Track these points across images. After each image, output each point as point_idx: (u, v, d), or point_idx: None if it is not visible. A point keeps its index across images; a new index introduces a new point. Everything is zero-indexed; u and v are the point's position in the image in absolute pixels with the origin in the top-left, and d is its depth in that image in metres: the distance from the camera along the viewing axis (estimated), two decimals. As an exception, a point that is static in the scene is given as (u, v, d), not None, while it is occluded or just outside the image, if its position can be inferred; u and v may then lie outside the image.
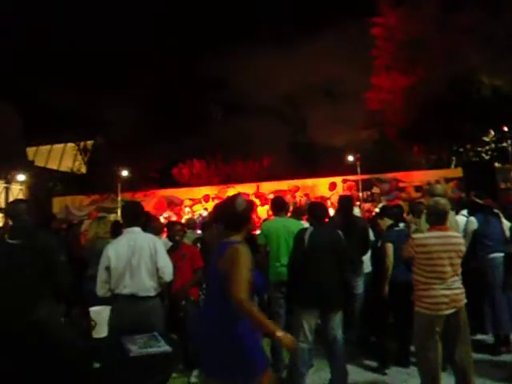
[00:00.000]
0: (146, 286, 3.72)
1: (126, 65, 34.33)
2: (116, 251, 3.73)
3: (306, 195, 18.44)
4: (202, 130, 30.46)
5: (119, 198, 19.74)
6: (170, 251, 4.41)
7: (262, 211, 16.74)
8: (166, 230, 5.41)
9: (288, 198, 16.86)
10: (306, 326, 4.04)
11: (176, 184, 25.56)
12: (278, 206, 5.37)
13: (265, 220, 7.21)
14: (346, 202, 5.70)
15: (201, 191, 20.21)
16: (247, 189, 19.02)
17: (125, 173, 21.36)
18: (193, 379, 4.66)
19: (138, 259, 3.72)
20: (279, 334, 2.54)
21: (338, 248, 4.15)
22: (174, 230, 5.07)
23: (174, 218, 16.55)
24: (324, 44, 30.29)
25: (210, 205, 18.23)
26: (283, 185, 19.29)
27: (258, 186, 19.49)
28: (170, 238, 5.10)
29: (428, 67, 21.88)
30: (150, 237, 3.94)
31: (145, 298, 3.70)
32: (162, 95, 32.58)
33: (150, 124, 29.19)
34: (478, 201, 6.03)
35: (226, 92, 34.31)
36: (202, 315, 3.06)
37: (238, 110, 33.10)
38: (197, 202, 19.73)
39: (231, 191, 18.79)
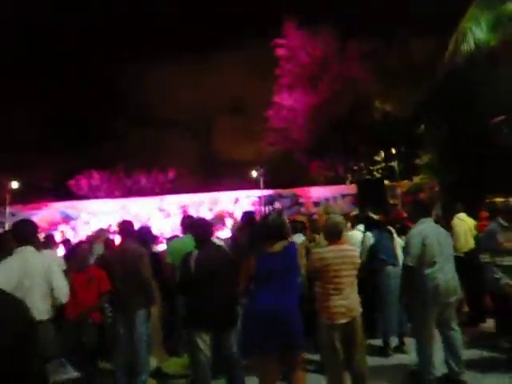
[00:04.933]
0: (40, 309, 3.46)
1: (22, 73, 31.71)
2: (4, 273, 3.42)
3: (210, 210, 18.44)
4: (103, 141, 29.20)
5: (7, 211, 18.08)
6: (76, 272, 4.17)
7: (165, 225, 16.41)
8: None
9: (192, 211, 16.74)
10: (201, 345, 4.02)
11: (73, 196, 24.05)
12: (184, 225, 5.35)
13: (171, 238, 7.07)
14: (249, 218, 5.86)
15: (99, 204, 19.17)
16: (150, 202, 18.53)
17: (15, 184, 19.63)
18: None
19: (30, 280, 3.45)
20: None
21: (225, 267, 4.12)
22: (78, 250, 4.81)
23: (70, 233, 15.55)
24: (232, 60, 30.83)
25: (112, 219, 17.33)
26: (187, 198, 19.10)
27: (161, 199, 19.08)
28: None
29: (327, 88, 23.28)
30: (44, 256, 3.68)
31: (37, 322, 3.43)
32: (62, 105, 30.62)
33: (48, 134, 27.30)
34: (374, 217, 6.51)
35: (131, 103, 33.27)
36: (276, 304, 3.51)
37: (143, 121, 32.31)
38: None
39: (132, 205, 18.24)
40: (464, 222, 7.18)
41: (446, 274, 4.39)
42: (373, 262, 5.71)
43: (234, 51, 30.42)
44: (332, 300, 3.88)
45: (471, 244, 6.76)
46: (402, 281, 4.67)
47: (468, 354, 4.82)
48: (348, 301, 3.90)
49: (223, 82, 31.25)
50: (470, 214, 7.40)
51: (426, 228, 4.53)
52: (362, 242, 5.92)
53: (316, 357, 5.02)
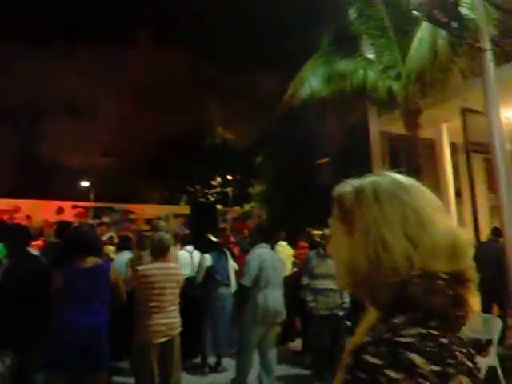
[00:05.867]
0: None
1: None
2: None
3: (28, 217, 16.53)
4: None
5: None
6: None
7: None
8: None
9: (5, 218, 14.78)
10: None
11: None
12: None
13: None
14: (61, 229, 5.52)
15: None
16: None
17: None
18: None
19: None
20: None
21: (40, 281, 3.68)
22: None
23: None
24: (78, 62, 28.65)
25: None
26: (2, 203, 16.89)
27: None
28: None
29: (169, 108, 23.34)
30: None
31: None
32: None
33: None
34: (213, 239, 6.68)
35: None
36: None
37: None
38: None
39: None
40: (285, 249, 7.82)
41: (275, 297, 4.69)
42: (208, 282, 5.84)
43: (82, 53, 28.46)
44: (153, 318, 3.77)
45: (288, 270, 7.40)
46: (236, 300, 4.80)
47: (278, 370, 5.15)
48: (169, 320, 3.84)
49: (56, 82, 28.74)
50: (289, 243, 8.11)
51: (264, 252, 4.80)
52: (200, 263, 6.02)
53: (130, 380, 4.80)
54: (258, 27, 20.64)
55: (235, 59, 22.11)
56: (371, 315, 0.87)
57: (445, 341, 0.75)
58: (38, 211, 17.25)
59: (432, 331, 0.75)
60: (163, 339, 3.79)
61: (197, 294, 5.65)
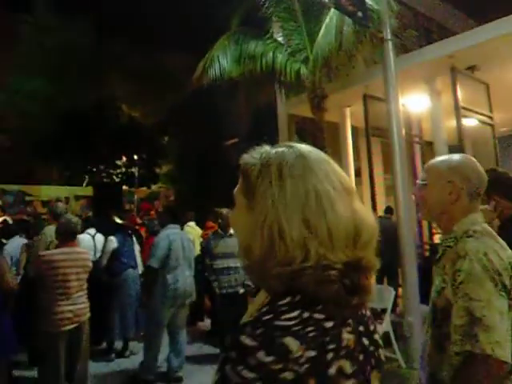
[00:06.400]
0: None
1: None
2: None
3: None
4: None
5: None
6: None
7: None
8: None
9: None
10: None
11: None
12: None
13: None
14: None
15: None
16: None
17: None
18: None
19: None
20: None
21: None
22: None
23: None
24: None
25: None
26: None
27: None
28: None
29: (70, 83, 21.74)
30: None
31: None
32: None
33: None
34: (119, 221, 6.49)
35: None
36: None
37: None
38: None
39: None
40: (193, 230, 7.77)
41: (185, 278, 4.69)
42: (114, 265, 5.64)
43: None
44: (59, 306, 3.57)
45: (197, 250, 7.39)
46: (145, 282, 4.71)
47: (188, 350, 5.15)
48: (76, 306, 3.67)
49: None
50: (197, 223, 8.07)
51: (174, 233, 4.76)
52: (104, 246, 5.79)
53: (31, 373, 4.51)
54: (169, 3, 19.91)
55: (144, 36, 21.17)
56: (262, 296, 0.84)
57: (328, 324, 0.74)
58: None
59: (316, 315, 0.74)
60: (71, 326, 3.62)
61: (102, 278, 5.42)
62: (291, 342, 0.70)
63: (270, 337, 0.70)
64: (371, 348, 0.83)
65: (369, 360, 0.81)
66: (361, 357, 0.78)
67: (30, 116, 21.06)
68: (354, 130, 9.60)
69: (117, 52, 22.39)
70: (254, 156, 0.87)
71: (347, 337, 0.76)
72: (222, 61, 7.76)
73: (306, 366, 0.69)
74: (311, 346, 0.71)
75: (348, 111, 9.41)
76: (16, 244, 5.51)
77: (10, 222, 7.89)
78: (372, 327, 0.86)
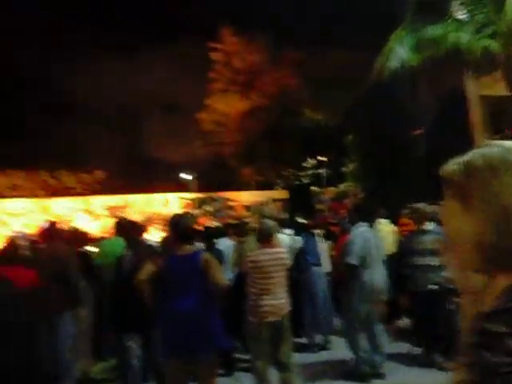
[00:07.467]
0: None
1: None
2: None
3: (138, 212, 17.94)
4: (25, 138, 26.92)
5: None
6: None
7: (91, 227, 15.78)
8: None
9: (120, 213, 16.23)
10: (132, 349, 4.09)
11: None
12: (117, 226, 5.27)
13: (100, 240, 6.89)
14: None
15: (18, 204, 17.80)
16: (73, 203, 17.78)
17: None
18: None
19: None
20: None
21: None
22: None
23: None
24: (165, 59, 30.24)
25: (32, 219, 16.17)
26: (116, 200, 18.51)
27: (85, 200, 18.33)
28: None
29: (260, 95, 23.73)
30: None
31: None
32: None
33: None
34: (303, 222, 6.84)
35: (57, 101, 30.89)
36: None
37: (70, 119, 30.28)
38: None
39: (55, 206, 17.39)
40: (385, 227, 7.67)
41: (379, 275, 4.78)
42: (300, 263, 5.98)
43: (168, 49, 29.94)
44: (262, 299, 4.05)
45: (391, 247, 7.26)
46: (344, 278, 4.91)
47: (388, 348, 5.16)
48: (277, 301, 4.09)
49: (155, 81, 30.55)
50: (391, 220, 7.91)
51: (366, 231, 4.87)
52: (291, 245, 6.18)
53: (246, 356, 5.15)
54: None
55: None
56: (496, 285, 0.83)
57: None
58: (148, 205, 18.63)
59: None
60: (273, 319, 4.05)
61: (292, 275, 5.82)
62: None
63: None
64: None
65: None
66: None
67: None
68: None
69: (296, 58, 23.58)
70: (453, 163, 0.89)
71: None
72: (399, 51, 7.57)
73: None
74: None
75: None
76: (225, 244, 6.02)
77: (214, 225, 8.86)
78: None
